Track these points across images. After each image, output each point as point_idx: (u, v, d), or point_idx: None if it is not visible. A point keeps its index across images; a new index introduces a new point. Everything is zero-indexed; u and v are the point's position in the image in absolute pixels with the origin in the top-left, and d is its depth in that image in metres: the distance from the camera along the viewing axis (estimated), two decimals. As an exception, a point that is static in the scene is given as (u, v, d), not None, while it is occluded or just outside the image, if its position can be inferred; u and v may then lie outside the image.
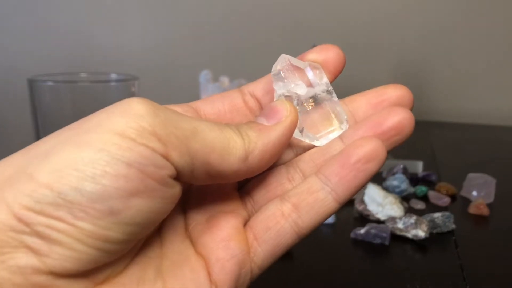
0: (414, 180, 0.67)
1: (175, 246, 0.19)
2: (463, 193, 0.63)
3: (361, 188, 0.21)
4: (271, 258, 0.21)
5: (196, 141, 0.17)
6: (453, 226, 0.51)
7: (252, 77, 1.05)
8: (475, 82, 1.27)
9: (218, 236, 0.19)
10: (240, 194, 0.22)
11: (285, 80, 0.22)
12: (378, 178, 0.69)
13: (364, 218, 0.55)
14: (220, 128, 0.18)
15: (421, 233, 0.48)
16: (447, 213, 0.52)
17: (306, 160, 0.22)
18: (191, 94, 1.21)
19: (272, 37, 1.38)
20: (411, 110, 0.23)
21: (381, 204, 0.54)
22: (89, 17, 1.48)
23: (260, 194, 0.22)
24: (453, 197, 0.62)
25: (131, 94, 0.75)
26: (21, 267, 0.15)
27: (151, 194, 0.16)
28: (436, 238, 0.50)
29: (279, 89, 0.22)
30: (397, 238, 0.49)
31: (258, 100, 0.23)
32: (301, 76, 0.23)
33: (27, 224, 0.15)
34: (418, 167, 0.74)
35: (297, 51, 0.94)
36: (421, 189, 0.63)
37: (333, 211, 0.21)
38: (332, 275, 0.42)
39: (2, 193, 0.15)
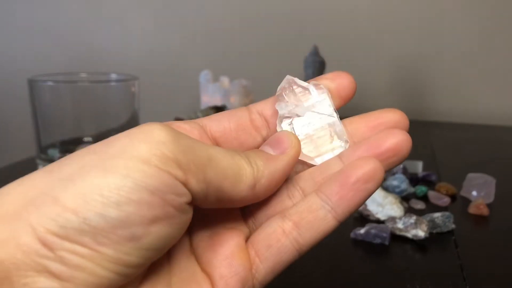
0: (414, 180, 0.67)
1: (181, 263, 0.20)
2: (463, 193, 0.63)
3: (360, 206, 0.22)
4: (272, 274, 0.21)
5: (211, 169, 0.18)
6: (453, 226, 0.51)
7: (252, 78, 1.06)
8: (475, 82, 1.27)
9: (221, 253, 0.20)
10: (241, 210, 0.22)
11: (287, 101, 0.23)
12: (378, 178, 0.69)
13: (364, 218, 0.55)
14: (231, 155, 0.19)
15: (421, 233, 0.48)
16: (447, 213, 0.52)
17: (305, 178, 0.22)
18: (191, 94, 1.21)
19: (272, 37, 1.38)
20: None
21: (381, 204, 0.54)
22: (89, 18, 1.48)
23: (261, 211, 0.22)
24: (453, 197, 0.62)
25: (131, 94, 0.75)
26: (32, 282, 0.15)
27: (169, 220, 0.17)
28: (436, 238, 0.50)
29: (281, 109, 0.23)
30: (397, 238, 0.49)
31: (266, 120, 0.24)
32: (305, 97, 0.23)
33: (51, 249, 0.15)
34: (418, 167, 0.74)
35: (297, 52, 0.94)
36: (421, 189, 0.63)
37: (332, 228, 0.21)
38: (332, 275, 0.42)
39: (27, 215, 0.15)
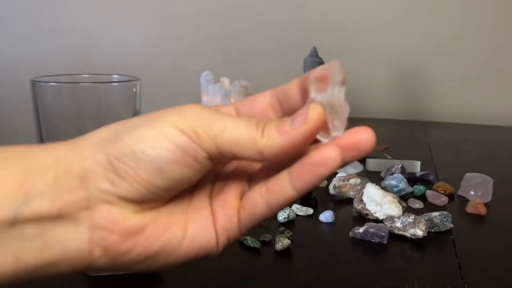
0: (412, 179, 0.68)
1: (200, 200, 0.28)
2: (461, 192, 0.63)
3: (315, 185, 0.25)
4: (250, 222, 0.28)
5: (222, 139, 0.25)
6: (451, 225, 0.52)
7: (251, 78, 1.06)
8: (473, 83, 1.27)
9: (221, 200, 0.28)
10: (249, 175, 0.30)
11: (317, 88, 0.26)
12: (376, 178, 0.70)
13: (363, 217, 0.55)
14: (246, 125, 0.25)
15: (419, 232, 0.49)
16: (445, 213, 0.52)
17: None
18: (192, 94, 1.22)
19: (272, 38, 1.38)
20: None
21: (379, 203, 0.54)
22: (91, 19, 1.48)
23: (256, 177, 0.29)
24: (451, 197, 0.63)
25: (133, 95, 0.76)
26: (102, 189, 0.24)
27: (186, 165, 0.25)
28: (434, 237, 0.50)
29: (315, 95, 0.26)
30: (396, 237, 0.50)
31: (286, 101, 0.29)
32: (330, 85, 0.26)
33: (112, 165, 0.24)
34: (416, 166, 0.74)
35: (296, 52, 0.94)
36: (419, 188, 0.63)
37: (292, 197, 0.26)
38: (331, 274, 0.43)
39: (104, 145, 0.25)
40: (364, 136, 0.25)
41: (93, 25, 1.46)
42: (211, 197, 0.28)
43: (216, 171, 0.29)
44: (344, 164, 0.25)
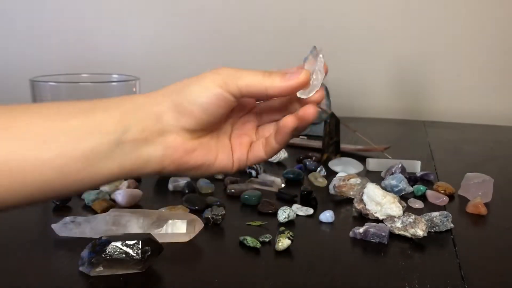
0: (412, 179, 0.68)
1: (224, 139, 0.42)
2: (461, 192, 0.63)
3: (287, 141, 0.41)
4: (254, 160, 0.42)
5: (241, 83, 0.38)
6: (451, 225, 0.52)
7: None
8: (473, 83, 1.27)
9: (237, 143, 0.42)
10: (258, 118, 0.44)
11: (309, 63, 0.42)
12: (376, 178, 0.69)
13: (363, 217, 0.55)
14: (257, 73, 0.38)
15: (419, 232, 0.49)
16: (445, 212, 0.52)
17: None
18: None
19: (272, 38, 1.38)
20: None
21: (379, 203, 0.54)
22: (91, 19, 1.48)
23: (260, 131, 0.43)
24: (451, 197, 0.63)
25: (132, 94, 0.76)
26: (170, 124, 0.37)
27: (220, 106, 0.38)
28: (434, 237, 0.50)
29: (308, 67, 0.42)
30: (396, 237, 0.50)
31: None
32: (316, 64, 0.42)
33: (176, 108, 0.37)
34: (417, 166, 0.74)
35: (296, 52, 0.94)
36: (419, 188, 0.63)
37: (277, 148, 0.41)
38: (331, 274, 0.43)
39: (170, 95, 0.38)
40: (309, 111, 0.39)
41: (92, 25, 1.46)
42: (230, 139, 0.42)
43: (233, 121, 0.43)
44: (298, 130, 0.40)
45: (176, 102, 0.37)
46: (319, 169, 0.73)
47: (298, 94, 0.40)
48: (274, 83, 0.38)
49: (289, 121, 0.39)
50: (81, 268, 0.42)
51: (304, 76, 0.39)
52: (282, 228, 0.49)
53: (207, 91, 0.37)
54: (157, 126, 0.37)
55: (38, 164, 0.34)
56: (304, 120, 0.39)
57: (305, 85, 0.40)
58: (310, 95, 0.40)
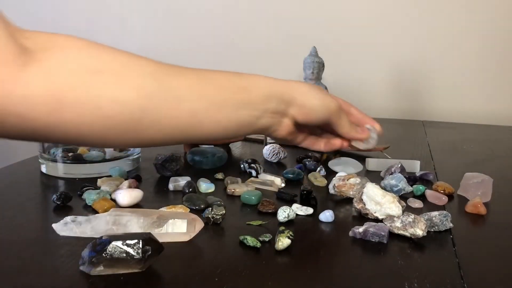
0: (412, 179, 0.68)
1: (312, 136, 0.61)
2: (460, 192, 0.63)
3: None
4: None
5: (339, 118, 0.57)
6: (451, 225, 0.52)
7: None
8: (472, 83, 1.27)
9: (317, 140, 0.61)
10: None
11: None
12: (376, 177, 0.70)
13: (363, 217, 0.56)
14: (351, 126, 0.59)
15: (419, 231, 0.49)
16: (444, 212, 0.52)
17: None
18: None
19: (272, 39, 1.38)
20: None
21: (379, 203, 0.54)
22: (90, 19, 1.48)
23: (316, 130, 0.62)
24: (451, 196, 0.63)
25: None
26: (291, 114, 0.53)
27: (323, 120, 0.56)
28: (433, 236, 0.51)
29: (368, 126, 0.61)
30: (395, 237, 0.50)
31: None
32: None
33: (301, 108, 0.53)
34: (416, 166, 0.74)
35: (296, 53, 0.94)
36: (419, 188, 0.63)
37: (338, 145, 0.61)
38: (330, 273, 0.43)
39: (300, 96, 0.54)
40: (346, 145, 0.61)
41: (92, 26, 1.46)
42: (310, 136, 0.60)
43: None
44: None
45: (301, 103, 0.53)
46: (318, 169, 0.73)
47: (353, 143, 0.60)
48: (350, 133, 0.58)
49: (337, 143, 0.60)
50: (81, 268, 0.42)
51: (366, 135, 0.60)
52: (282, 228, 0.49)
53: (323, 110, 0.54)
54: (285, 110, 0.52)
55: (211, 120, 0.47)
56: (341, 148, 0.61)
57: (364, 139, 0.60)
58: (360, 147, 0.61)
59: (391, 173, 0.68)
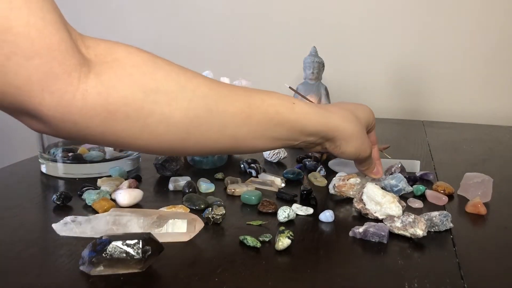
0: (412, 179, 0.68)
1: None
2: (461, 192, 0.63)
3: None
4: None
5: (363, 153, 0.58)
6: (451, 225, 0.52)
7: (251, 78, 1.06)
8: (472, 83, 1.27)
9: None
10: None
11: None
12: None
13: (363, 217, 0.56)
14: (370, 161, 0.61)
15: (419, 231, 0.49)
16: (444, 212, 0.52)
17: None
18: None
19: (272, 38, 1.38)
20: None
21: (379, 203, 0.54)
22: (90, 19, 1.48)
23: None
24: (451, 196, 0.63)
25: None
26: (326, 145, 0.57)
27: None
28: (434, 236, 0.51)
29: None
30: (395, 237, 0.50)
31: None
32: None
33: (326, 139, 0.56)
34: (416, 166, 0.74)
35: (296, 53, 0.94)
36: (419, 188, 0.63)
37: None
38: (331, 273, 0.43)
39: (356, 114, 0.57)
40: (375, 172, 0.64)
41: (92, 25, 1.46)
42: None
43: None
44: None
45: (339, 144, 0.55)
46: (318, 168, 0.73)
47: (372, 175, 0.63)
48: (368, 170, 0.62)
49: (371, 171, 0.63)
50: (81, 268, 0.42)
51: (380, 173, 0.63)
52: (282, 228, 0.49)
53: (353, 157, 0.57)
54: (321, 143, 0.55)
55: (249, 145, 0.50)
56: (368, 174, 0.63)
57: (378, 176, 0.63)
58: (374, 177, 0.63)
59: (391, 173, 0.68)
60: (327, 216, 0.55)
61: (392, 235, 0.50)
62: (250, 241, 0.47)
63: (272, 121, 0.49)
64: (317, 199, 0.60)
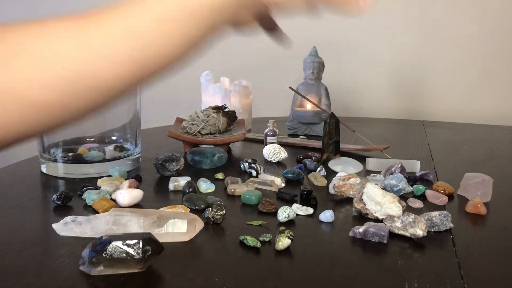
0: (412, 179, 0.68)
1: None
2: (461, 192, 0.63)
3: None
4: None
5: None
6: (451, 225, 0.52)
7: (251, 78, 1.05)
8: (472, 83, 1.27)
9: None
10: None
11: None
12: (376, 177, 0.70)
13: (363, 217, 0.55)
14: None
15: (419, 231, 0.49)
16: (444, 212, 0.52)
17: None
18: (192, 94, 1.22)
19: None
20: None
21: (379, 203, 0.54)
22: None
23: None
24: (451, 196, 0.63)
25: (133, 94, 0.76)
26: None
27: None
28: (434, 236, 0.51)
29: None
30: (395, 237, 0.50)
31: None
32: None
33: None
34: (416, 166, 0.74)
35: (295, 53, 0.93)
36: (419, 188, 0.63)
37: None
38: (331, 273, 0.43)
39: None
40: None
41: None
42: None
43: None
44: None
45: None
46: (319, 169, 0.73)
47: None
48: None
49: None
50: (81, 268, 0.42)
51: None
52: (282, 228, 0.49)
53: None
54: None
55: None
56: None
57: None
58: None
59: (391, 173, 0.68)
60: (327, 216, 0.55)
61: (392, 235, 0.50)
62: (250, 241, 0.47)
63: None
64: (317, 199, 0.60)
